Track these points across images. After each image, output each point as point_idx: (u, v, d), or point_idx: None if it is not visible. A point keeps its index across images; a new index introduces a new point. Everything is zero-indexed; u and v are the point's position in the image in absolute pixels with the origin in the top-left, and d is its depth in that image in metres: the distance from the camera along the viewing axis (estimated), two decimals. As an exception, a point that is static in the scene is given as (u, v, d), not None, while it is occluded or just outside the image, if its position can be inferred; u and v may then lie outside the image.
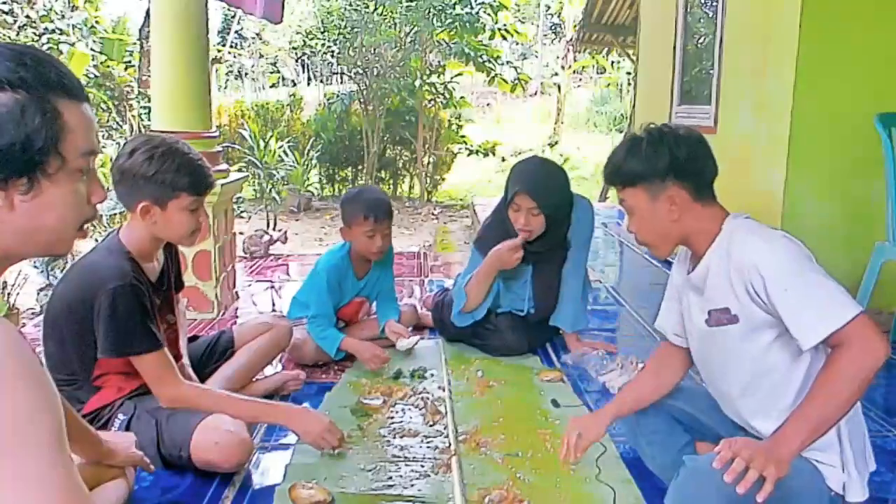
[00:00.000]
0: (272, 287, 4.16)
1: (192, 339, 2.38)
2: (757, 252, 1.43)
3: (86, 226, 0.96)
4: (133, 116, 7.58)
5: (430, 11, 9.30)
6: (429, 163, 10.57)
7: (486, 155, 11.02)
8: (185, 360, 2.18)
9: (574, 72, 17.56)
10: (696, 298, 1.61)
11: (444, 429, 2.18)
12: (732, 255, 1.47)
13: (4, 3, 7.14)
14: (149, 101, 5.48)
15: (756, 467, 1.25)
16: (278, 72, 16.83)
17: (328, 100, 10.69)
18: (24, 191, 0.86)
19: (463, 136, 11.03)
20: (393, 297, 2.99)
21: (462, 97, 10.97)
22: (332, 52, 10.33)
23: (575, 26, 13.28)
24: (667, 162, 1.50)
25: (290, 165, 9.06)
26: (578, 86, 20.16)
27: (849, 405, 1.33)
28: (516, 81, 11.06)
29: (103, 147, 7.31)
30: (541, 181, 2.63)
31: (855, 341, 1.31)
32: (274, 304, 3.83)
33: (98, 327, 1.79)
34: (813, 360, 1.45)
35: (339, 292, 2.78)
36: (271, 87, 15.98)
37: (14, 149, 0.83)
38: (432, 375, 2.62)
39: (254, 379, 2.43)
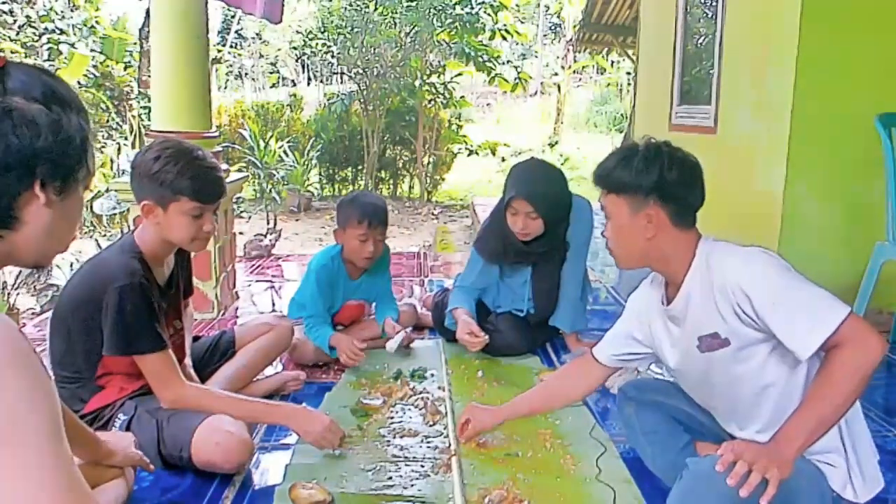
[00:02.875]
0: (272, 287, 4.16)
1: (193, 340, 2.38)
2: (738, 272, 1.43)
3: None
4: (133, 116, 7.57)
5: (430, 11, 9.30)
6: (429, 163, 10.57)
7: (489, 153, 11.00)
8: (188, 361, 2.18)
9: (574, 72, 17.57)
10: (676, 328, 1.61)
11: (444, 429, 2.18)
12: (714, 279, 1.47)
13: (4, 3, 7.14)
14: (149, 101, 5.47)
15: (759, 470, 1.24)
16: (278, 72, 16.83)
17: (328, 100, 10.69)
18: (58, 191, 0.92)
19: (463, 136, 11.03)
20: (391, 298, 2.99)
21: (462, 97, 10.97)
22: (332, 52, 10.31)
23: (575, 26, 13.28)
24: (654, 181, 1.51)
25: (290, 165, 9.06)
26: (578, 86, 20.16)
27: (848, 403, 1.33)
28: (516, 81, 11.06)
29: (103, 147, 7.31)
30: (538, 185, 2.62)
31: (849, 341, 1.32)
32: (274, 304, 3.84)
33: (105, 324, 1.80)
34: (811, 367, 1.45)
35: (331, 293, 2.77)
36: (271, 87, 15.98)
37: (74, 147, 0.92)
38: (432, 375, 2.62)
39: (254, 379, 2.43)
